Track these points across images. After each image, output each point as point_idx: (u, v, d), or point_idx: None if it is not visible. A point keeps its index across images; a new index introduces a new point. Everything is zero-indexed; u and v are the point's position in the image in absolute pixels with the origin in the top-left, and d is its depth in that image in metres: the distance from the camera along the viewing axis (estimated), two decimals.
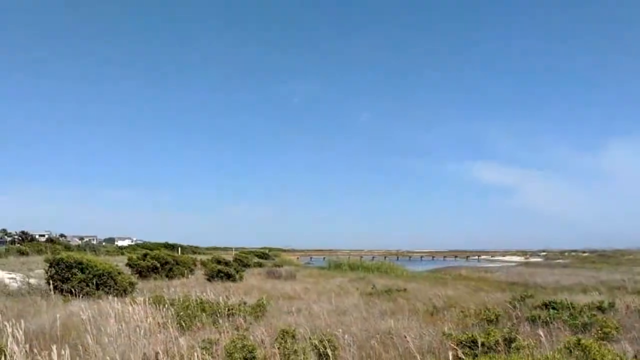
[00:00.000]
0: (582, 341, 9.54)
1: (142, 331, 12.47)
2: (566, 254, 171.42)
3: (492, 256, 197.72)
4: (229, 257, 61.45)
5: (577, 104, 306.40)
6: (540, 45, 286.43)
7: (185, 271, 41.07)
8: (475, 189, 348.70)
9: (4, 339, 9.62)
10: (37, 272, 33.78)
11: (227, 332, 13.67)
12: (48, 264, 25.27)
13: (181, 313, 15.80)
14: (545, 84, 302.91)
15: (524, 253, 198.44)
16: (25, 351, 9.32)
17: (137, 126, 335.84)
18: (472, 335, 10.51)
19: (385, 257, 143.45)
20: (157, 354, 10.10)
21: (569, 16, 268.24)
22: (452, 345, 9.90)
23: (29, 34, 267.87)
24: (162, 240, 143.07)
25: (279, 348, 10.51)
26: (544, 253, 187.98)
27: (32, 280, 28.12)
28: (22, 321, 10.28)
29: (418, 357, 8.91)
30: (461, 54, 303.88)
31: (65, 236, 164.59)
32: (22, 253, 61.78)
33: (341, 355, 10.58)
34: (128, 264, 39.25)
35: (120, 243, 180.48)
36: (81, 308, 14.62)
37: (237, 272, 39.78)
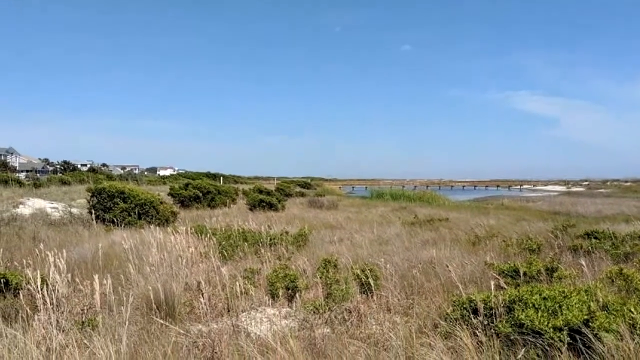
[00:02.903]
0: (624, 270, 9.35)
1: (184, 261, 12.48)
2: (608, 183, 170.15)
3: (534, 185, 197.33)
4: (271, 187, 61.55)
5: (618, 35, 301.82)
6: None
7: (227, 201, 41.22)
8: (518, 118, 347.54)
9: (46, 268, 9.63)
10: (79, 201, 34.05)
11: (269, 261, 13.65)
12: (90, 194, 25.48)
13: (223, 243, 15.81)
14: (587, 14, 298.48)
15: (565, 182, 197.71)
16: (67, 280, 9.32)
17: (176, 57, 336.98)
18: (514, 265, 10.36)
19: (427, 187, 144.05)
20: (199, 283, 10.07)
21: None
22: (494, 274, 9.76)
23: None
24: (204, 170, 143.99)
25: (320, 277, 10.44)
26: (586, 182, 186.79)
27: (74, 210, 28.34)
28: (64, 250, 10.28)
29: (460, 287, 8.78)
30: None
31: (107, 166, 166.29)
32: (64, 182, 62.23)
33: (383, 285, 10.48)
34: (170, 194, 39.52)
35: (162, 172, 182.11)
36: (123, 237, 14.66)
37: (279, 201, 39.83)
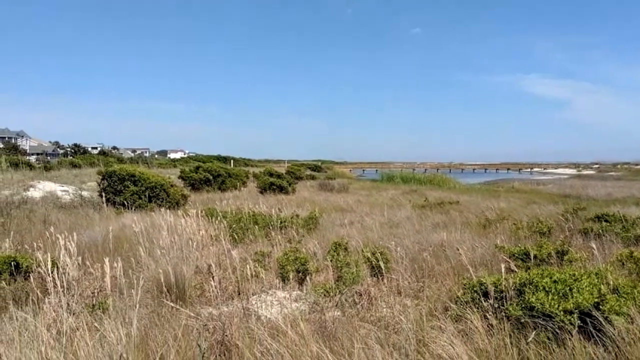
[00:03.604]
0: (635, 253, 9.35)
1: (194, 244, 12.50)
2: (619, 166, 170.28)
3: (544, 169, 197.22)
4: (282, 170, 61.55)
5: (629, 18, 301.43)
6: None
7: (238, 184, 41.27)
8: (528, 101, 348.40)
9: (56, 251, 9.66)
10: (89, 184, 34.16)
11: (280, 244, 13.67)
12: (100, 177, 25.52)
13: (234, 226, 15.84)
14: None
15: (576, 165, 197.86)
16: (78, 263, 9.35)
17: (187, 40, 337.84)
18: (525, 248, 10.35)
19: (437, 170, 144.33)
20: (209, 266, 10.09)
21: None
22: (505, 257, 9.76)
23: None
24: (214, 153, 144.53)
25: (331, 260, 10.44)
26: (597, 165, 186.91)
27: (84, 193, 28.42)
28: (75, 234, 10.31)
29: (471, 270, 8.77)
30: None
31: (117, 149, 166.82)
32: (74, 165, 62.41)
33: (394, 268, 10.48)
34: (180, 177, 39.56)
35: (172, 155, 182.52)
36: (133, 220, 14.70)
37: (290, 184, 39.83)
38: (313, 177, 67.29)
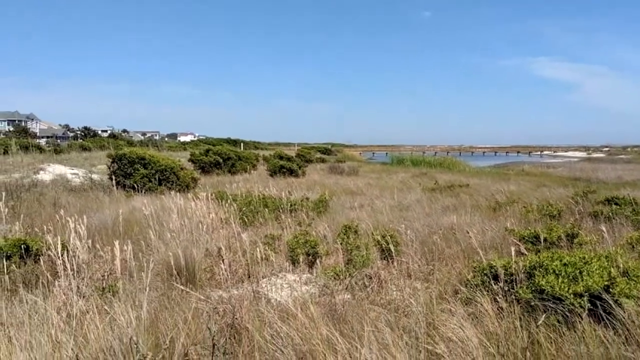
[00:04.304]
0: None
1: (204, 227, 12.50)
2: (629, 149, 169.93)
3: (554, 152, 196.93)
4: (292, 153, 61.49)
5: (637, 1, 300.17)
6: None
7: (248, 167, 41.31)
8: (537, 84, 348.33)
9: (66, 234, 9.67)
10: (99, 167, 34.24)
11: (290, 227, 13.67)
12: (111, 160, 25.55)
13: (244, 209, 15.83)
14: None
15: (586, 148, 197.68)
16: (88, 246, 9.37)
17: (197, 23, 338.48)
18: (535, 231, 10.33)
19: (447, 153, 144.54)
20: (219, 249, 10.09)
21: None
22: (515, 240, 9.73)
23: None
24: (224, 136, 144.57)
25: (341, 243, 10.44)
26: (607, 148, 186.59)
27: (94, 176, 28.46)
28: (85, 216, 10.31)
29: (481, 253, 8.75)
30: None
31: (127, 132, 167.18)
32: (84, 149, 62.46)
33: (404, 251, 10.47)
34: (190, 160, 39.58)
35: (182, 139, 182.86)
36: (143, 204, 14.70)
37: (300, 167, 39.82)
38: (323, 160, 67.16)
